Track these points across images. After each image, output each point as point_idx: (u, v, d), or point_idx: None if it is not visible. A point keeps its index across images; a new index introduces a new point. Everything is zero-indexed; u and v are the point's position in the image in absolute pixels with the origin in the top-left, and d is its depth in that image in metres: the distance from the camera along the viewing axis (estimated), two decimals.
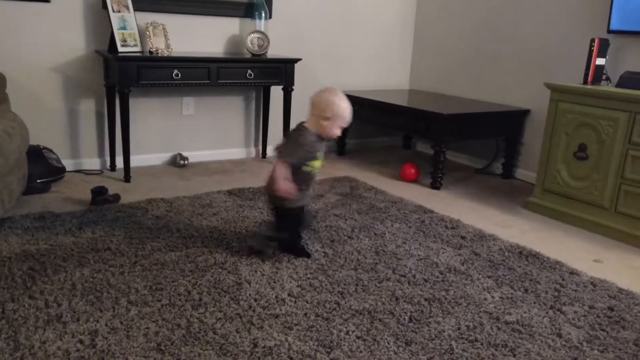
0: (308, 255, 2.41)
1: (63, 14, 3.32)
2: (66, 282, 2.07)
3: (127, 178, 3.39)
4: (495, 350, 1.80)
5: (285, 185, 2.21)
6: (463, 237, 2.73)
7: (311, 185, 2.43)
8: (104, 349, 1.67)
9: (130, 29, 3.33)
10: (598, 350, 1.83)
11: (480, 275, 2.33)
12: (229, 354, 1.68)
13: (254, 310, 1.94)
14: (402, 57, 4.77)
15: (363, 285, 2.18)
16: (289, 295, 2.07)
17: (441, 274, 2.33)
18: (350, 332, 1.84)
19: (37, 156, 3.14)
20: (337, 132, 2.29)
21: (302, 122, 2.32)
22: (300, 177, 2.27)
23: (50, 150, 3.31)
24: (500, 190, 3.66)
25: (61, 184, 3.27)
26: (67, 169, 3.43)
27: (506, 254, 2.57)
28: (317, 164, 2.31)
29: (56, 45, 3.34)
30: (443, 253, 2.54)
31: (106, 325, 1.80)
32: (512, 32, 3.94)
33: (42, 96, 3.37)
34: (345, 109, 2.27)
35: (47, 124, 3.40)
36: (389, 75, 4.75)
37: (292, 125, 3.96)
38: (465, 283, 2.25)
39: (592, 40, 3.07)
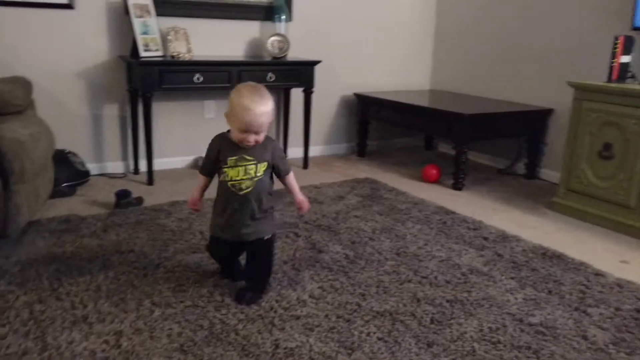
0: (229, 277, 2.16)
1: (87, 20, 3.38)
2: (91, 283, 2.11)
3: (150, 181, 3.43)
4: (519, 352, 1.78)
5: (191, 196, 2.10)
6: (485, 238, 2.71)
7: (233, 206, 1.97)
8: (128, 350, 1.70)
9: (152, 33, 3.38)
10: (625, 352, 1.80)
11: (503, 277, 2.31)
12: (250, 355, 1.70)
13: (275, 312, 1.95)
14: (422, 57, 4.75)
15: (384, 287, 2.17)
16: (310, 296, 2.08)
17: (463, 275, 2.31)
18: (371, 334, 1.84)
19: (63, 160, 3.20)
20: (239, 136, 1.90)
21: None
22: (218, 188, 2.02)
23: (75, 155, 3.37)
24: (523, 191, 3.62)
25: (86, 187, 3.33)
26: (92, 173, 3.48)
27: (529, 255, 2.54)
28: (230, 172, 1.94)
29: (80, 51, 3.40)
30: (465, 254, 2.52)
31: (130, 326, 1.83)
32: (534, 30, 3.89)
33: (67, 101, 3.44)
34: (241, 107, 1.85)
35: (72, 129, 3.47)
36: (409, 76, 4.73)
37: (313, 127, 4.00)
38: (487, 284, 2.24)
39: (616, 38, 3.02)
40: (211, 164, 2.02)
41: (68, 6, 3.29)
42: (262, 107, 1.87)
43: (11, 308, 1.91)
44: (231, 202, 1.97)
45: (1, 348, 1.68)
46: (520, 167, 4.03)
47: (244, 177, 1.94)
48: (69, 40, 3.35)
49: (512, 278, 2.30)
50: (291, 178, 2.11)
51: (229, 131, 1.98)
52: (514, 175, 4.01)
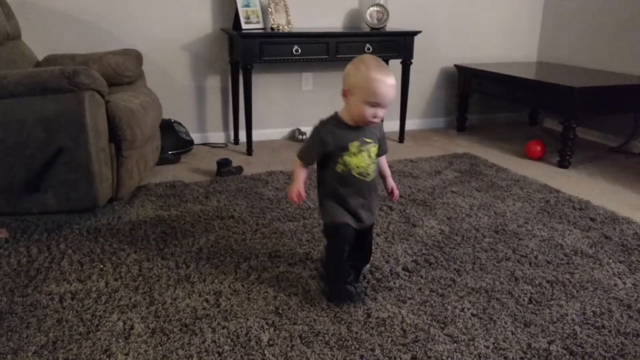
0: (350, 297, 1.83)
1: None
2: (194, 245, 2.22)
3: (249, 151, 3.54)
4: (625, 339, 1.67)
5: (292, 188, 1.77)
6: (592, 219, 2.55)
7: (363, 195, 1.78)
8: (227, 309, 1.78)
9: (253, 6, 3.44)
10: None
11: (611, 260, 2.17)
12: (342, 322, 1.72)
13: (368, 282, 1.96)
14: (530, 26, 4.49)
15: (481, 264, 2.11)
16: (403, 269, 2.06)
17: (566, 256, 2.19)
18: (465, 310, 1.80)
19: (169, 129, 3.37)
20: (368, 113, 1.67)
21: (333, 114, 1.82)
22: (334, 181, 1.76)
23: (180, 124, 3.53)
24: (638, 171, 3.36)
25: (190, 155, 3.49)
26: (195, 142, 3.65)
27: None
28: (354, 161, 1.73)
29: (186, 24, 3.54)
30: (569, 235, 2.39)
31: (229, 287, 1.91)
32: None
33: (173, 72, 3.60)
34: (370, 78, 1.64)
35: (177, 99, 3.64)
36: (514, 47, 4.50)
37: (410, 99, 3.92)
38: (593, 267, 2.11)
39: None
40: (319, 154, 1.77)
41: None
42: (392, 79, 1.67)
43: (123, 264, 2.06)
44: (361, 192, 1.77)
45: (115, 299, 1.82)
46: (636, 146, 3.73)
47: (369, 162, 1.76)
48: (175, 14, 3.50)
49: (621, 262, 2.15)
50: (385, 159, 1.94)
51: (335, 115, 1.78)
52: (627, 153, 3.73)
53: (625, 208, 2.73)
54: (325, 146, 1.73)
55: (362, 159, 1.74)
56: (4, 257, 2.11)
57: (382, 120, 1.81)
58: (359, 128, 1.74)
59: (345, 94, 1.70)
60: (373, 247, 2.21)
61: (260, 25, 3.46)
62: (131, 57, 3.05)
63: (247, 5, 3.41)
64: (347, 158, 1.73)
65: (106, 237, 2.28)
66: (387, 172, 1.95)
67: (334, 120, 1.76)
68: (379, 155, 1.83)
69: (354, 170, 1.74)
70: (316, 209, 2.60)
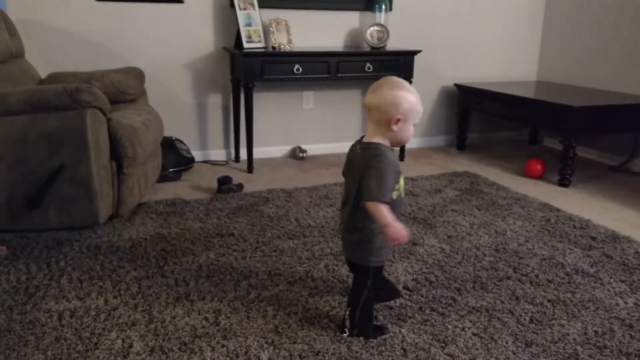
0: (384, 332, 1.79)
1: (195, 14, 3.54)
2: (193, 263, 2.21)
3: (250, 169, 3.55)
4: (627, 359, 1.66)
5: (401, 232, 1.60)
6: (593, 238, 2.55)
7: (400, 215, 1.73)
8: (226, 327, 1.77)
9: (255, 25, 3.47)
10: None
11: (612, 279, 2.16)
12: (342, 341, 1.71)
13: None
14: (529, 46, 4.53)
15: (481, 283, 2.11)
16: (403, 288, 2.05)
17: (567, 275, 2.19)
18: (466, 329, 1.79)
19: (170, 147, 3.38)
20: (411, 133, 1.71)
21: (365, 140, 1.70)
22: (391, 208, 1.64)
23: (182, 142, 3.55)
24: (638, 190, 3.36)
25: (190, 173, 3.50)
26: (196, 160, 3.66)
27: None
28: (402, 182, 1.74)
29: (188, 43, 3.57)
30: (570, 254, 2.39)
31: (228, 305, 1.90)
32: None
33: (175, 91, 3.63)
34: (417, 101, 1.66)
35: (178, 117, 3.65)
36: (514, 66, 4.53)
37: None
38: (594, 286, 2.10)
39: None
40: (394, 187, 1.66)
41: (178, 0, 3.46)
42: None
43: (122, 282, 2.05)
44: (400, 211, 1.72)
45: (114, 317, 1.82)
46: (636, 164, 3.74)
47: (402, 184, 1.74)
48: (177, 32, 3.53)
49: (622, 281, 2.15)
50: None
51: (377, 143, 1.67)
52: (628, 172, 3.73)
53: (626, 227, 2.72)
54: (398, 177, 1.67)
55: (402, 180, 1.73)
56: (3, 274, 2.10)
57: None
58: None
59: (397, 122, 1.64)
60: None
61: (261, 45, 3.49)
62: (133, 75, 3.07)
63: (249, 25, 3.44)
64: (401, 182, 1.70)
65: (106, 255, 2.28)
66: None
67: (385, 147, 1.67)
68: None
69: (402, 191, 1.72)
70: (315, 227, 2.60)
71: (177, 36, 3.53)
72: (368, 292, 1.72)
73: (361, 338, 1.72)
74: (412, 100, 1.64)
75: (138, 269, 2.16)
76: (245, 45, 3.40)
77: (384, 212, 1.59)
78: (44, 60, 3.25)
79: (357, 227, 1.70)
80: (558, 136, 3.58)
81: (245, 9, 3.43)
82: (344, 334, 1.75)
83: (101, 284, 2.04)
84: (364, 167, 1.62)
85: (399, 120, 1.63)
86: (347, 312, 1.75)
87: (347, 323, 1.75)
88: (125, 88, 2.99)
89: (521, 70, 4.56)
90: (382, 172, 1.60)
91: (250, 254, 2.31)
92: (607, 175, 3.69)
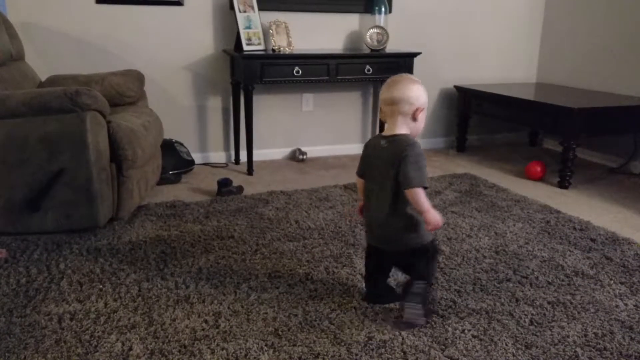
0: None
1: (195, 16, 3.54)
2: (193, 266, 2.21)
3: (250, 171, 3.55)
4: None
5: (437, 215, 1.74)
6: (593, 240, 2.55)
7: None
8: (226, 330, 1.77)
9: (254, 27, 3.48)
10: None
11: (612, 281, 2.16)
12: (343, 344, 1.71)
13: (368, 303, 1.95)
14: (529, 48, 4.53)
15: (481, 285, 2.11)
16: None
17: (567, 277, 2.19)
18: (466, 331, 1.79)
19: (170, 149, 3.38)
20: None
21: (389, 134, 1.80)
22: None
23: (182, 144, 3.55)
24: (638, 192, 3.36)
25: (190, 175, 3.50)
26: (196, 162, 3.66)
27: None
28: None
29: (188, 45, 3.57)
30: (570, 255, 2.39)
31: (228, 308, 1.90)
32: None
33: (175, 93, 3.63)
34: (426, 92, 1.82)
35: (178, 119, 3.66)
36: (514, 68, 4.53)
37: None
38: (594, 288, 2.10)
39: None
40: None
41: (178, 3, 3.47)
42: None
43: (122, 284, 2.05)
44: None
45: (114, 320, 1.82)
46: (635, 166, 3.74)
47: None
48: (177, 35, 3.53)
49: (622, 283, 2.15)
50: None
51: (407, 135, 1.79)
52: (628, 174, 3.74)
53: (626, 229, 2.72)
54: None
55: None
56: (3, 277, 2.10)
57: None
58: None
59: (416, 114, 1.78)
60: None
61: (261, 47, 3.49)
62: (133, 78, 3.07)
63: (249, 27, 3.45)
64: None
65: (106, 257, 2.28)
66: None
67: (413, 137, 1.80)
68: None
69: None
70: (315, 229, 2.60)
71: (177, 38, 3.54)
72: (435, 264, 1.91)
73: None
74: (424, 91, 1.80)
75: (138, 272, 2.16)
76: (245, 47, 3.40)
77: (423, 198, 1.71)
78: (44, 63, 3.25)
79: (403, 214, 1.78)
80: (558, 138, 3.58)
81: (245, 12, 3.44)
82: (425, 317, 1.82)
83: (101, 286, 2.04)
84: (398, 157, 1.73)
85: (421, 110, 1.78)
86: (420, 287, 1.81)
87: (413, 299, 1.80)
88: (124, 91, 2.99)
89: (521, 72, 4.57)
90: (419, 159, 1.72)
91: (250, 256, 2.31)
92: (607, 177, 3.70)
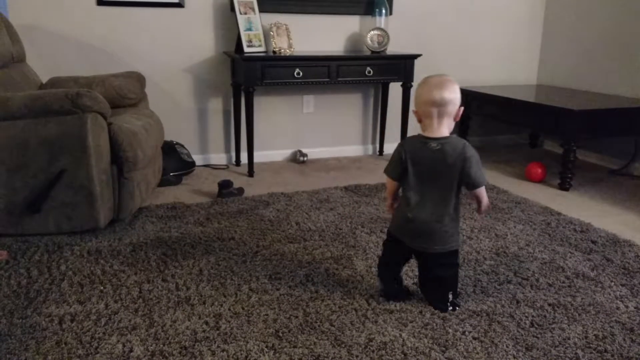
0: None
1: (196, 18, 3.55)
2: (194, 267, 2.21)
3: (250, 173, 3.55)
4: None
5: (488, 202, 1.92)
6: (594, 242, 2.55)
7: None
8: (227, 332, 1.77)
9: (255, 29, 3.48)
10: None
11: (613, 283, 2.16)
12: (343, 345, 1.71)
13: (369, 305, 1.95)
14: (529, 50, 4.54)
15: (482, 287, 2.11)
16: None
17: (567, 279, 2.19)
18: (466, 333, 1.79)
19: (171, 151, 3.38)
20: None
21: (435, 135, 1.85)
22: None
23: (182, 146, 3.55)
24: (639, 194, 3.36)
25: (191, 177, 3.50)
26: (197, 164, 3.66)
27: None
28: None
29: (189, 47, 3.58)
30: (570, 257, 2.38)
31: (229, 309, 1.90)
32: None
33: (176, 95, 3.63)
34: None
35: (179, 121, 3.66)
36: (514, 70, 4.54)
37: (410, 121, 3.93)
38: (595, 290, 2.10)
39: None
40: None
41: (179, 5, 3.47)
42: None
43: (123, 286, 2.06)
44: None
45: (114, 321, 1.82)
46: (636, 168, 3.74)
47: None
48: (178, 37, 3.54)
49: (622, 285, 2.14)
50: None
51: (459, 137, 1.89)
52: (628, 176, 3.74)
53: (626, 231, 2.72)
54: None
55: None
56: (4, 278, 2.10)
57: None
58: None
59: (458, 113, 1.87)
60: (374, 269, 2.21)
61: (262, 49, 3.50)
62: (134, 80, 3.08)
63: (250, 29, 3.45)
64: None
65: (107, 259, 2.28)
66: None
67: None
68: None
69: None
70: (315, 231, 2.61)
71: (178, 40, 3.54)
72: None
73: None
74: None
75: (139, 273, 2.16)
76: (246, 49, 3.41)
77: (485, 191, 1.87)
78: (45, 64, 3.26)
79: (452, 217, 1.85)
80: (558, 139, 3.58)
81: (245, 14, 3.44)
82: (453, 309, 1.91)
83: (102, 288, 2.04)
84: (459, 158, 1.79)
85: (461, 110, 1.86)
86: (449, 296, 1.91)
87: (447, 305, 1.91)
88: (125, 92, 2.99)
89: (521, 74, 4.57)
90: (478, 158, 1.83)
91: (251, 257, 2.32)
92: (608, 178, 3.70)
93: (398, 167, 1.87)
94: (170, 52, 3.55)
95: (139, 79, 3.12)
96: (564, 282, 2.15)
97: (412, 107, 1.94)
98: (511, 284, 2.14)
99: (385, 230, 2.61)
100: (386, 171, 1.94)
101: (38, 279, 2.10)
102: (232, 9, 3.46)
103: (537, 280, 2.17)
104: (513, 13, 4.39)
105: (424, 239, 1.86)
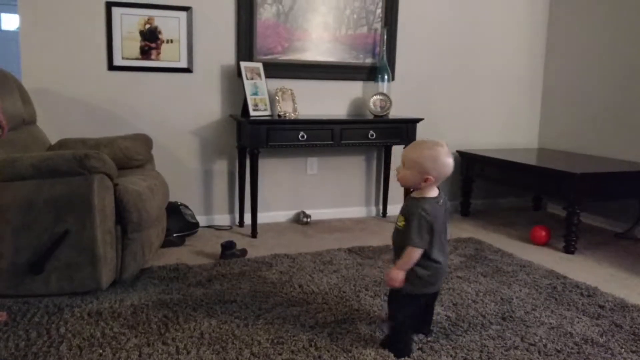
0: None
1: (203, 83, 3.65)
2: (195, 330, 2.18)
3: (254, 234, 3.55)
4: None
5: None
6: (601, 307, 2.51)
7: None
8: None
9: (261, 94, 3.57)
10: None
11: (623, 349, 2.11)
12: None
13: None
14: (530, 114, 4.62)
15: (488, 352, 2.06)
16: (408, 357, 2.01)
17: (576, 345, 2.14)
18: None
19: (175, 212, 3.40)
20: None
21: (440, 195, 2.05)
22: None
23: (187, 207, 3.57)
24: None
25: (194, 238, 3.50)
26: (200, 224, 3.66)
27: None
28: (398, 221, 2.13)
29: (196, 111, 3.66)
30: (578, 322, 2.34)
31: None
32: None
33: (182, 157, 3.68)
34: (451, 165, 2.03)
35: (184, 182, 3.69)
36: (515, 133, 4.60)
37: None
38: (604, 357, 2.05)
39: None
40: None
41: (187, 70, 3.58)
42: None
43: (122, 349, 2.02)
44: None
45: None
46: None
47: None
48: (186, 100, 3.63)
49: (633, 351, 2.10)
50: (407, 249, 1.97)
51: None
52: (633, 239, 3.72)
53: (634, 295, 2.68)
54: None
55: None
56: (2, 340, 2.07)
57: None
58: None
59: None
60: (377, 333, 2.18)
61: (267, 113, 3.57)
62: (141, 142, 3.13)
63: (256, 94, 3.54)
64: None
65: (107, 321, 2.25)
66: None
67: None
68: None
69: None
70: (318, 293, 2.58)
71: (186, 104, 3.63)
72: None
73: None
74: (449, 165, 2.08)
75: (139, 336, 2.12)
76: (252, 112, 3.48)
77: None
78: (55, 126, 3.33)
79: None
80: (561, 203, 3.59)
81: (252, 79, 3.54)
82: None
83: (101, 351, 2.01)
84: (447, 208, 2.07)
85: (428, 179, 2.00)
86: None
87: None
88: (132, 154, 3.04)
89: (522, 137, 4.63)
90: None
91: (253, 321, 2.28)
92: (613, 242, 3.67)
93: (429, 234, 1.96)
94: (178, 115, 3.63)
95: (146, 141, 3.18)
96: (572, 348, 2.10)
97: (419, 169, 1.96)
98: (518, 349, 2.09)
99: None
100: (416, 244, 1.94)
101: (37, 342, 2.06)
102: (239, 74, 3.56)
103: (545, 346, 2.12)
104: (513, 77, 4.50)
105: (441, 283, 2.13)
